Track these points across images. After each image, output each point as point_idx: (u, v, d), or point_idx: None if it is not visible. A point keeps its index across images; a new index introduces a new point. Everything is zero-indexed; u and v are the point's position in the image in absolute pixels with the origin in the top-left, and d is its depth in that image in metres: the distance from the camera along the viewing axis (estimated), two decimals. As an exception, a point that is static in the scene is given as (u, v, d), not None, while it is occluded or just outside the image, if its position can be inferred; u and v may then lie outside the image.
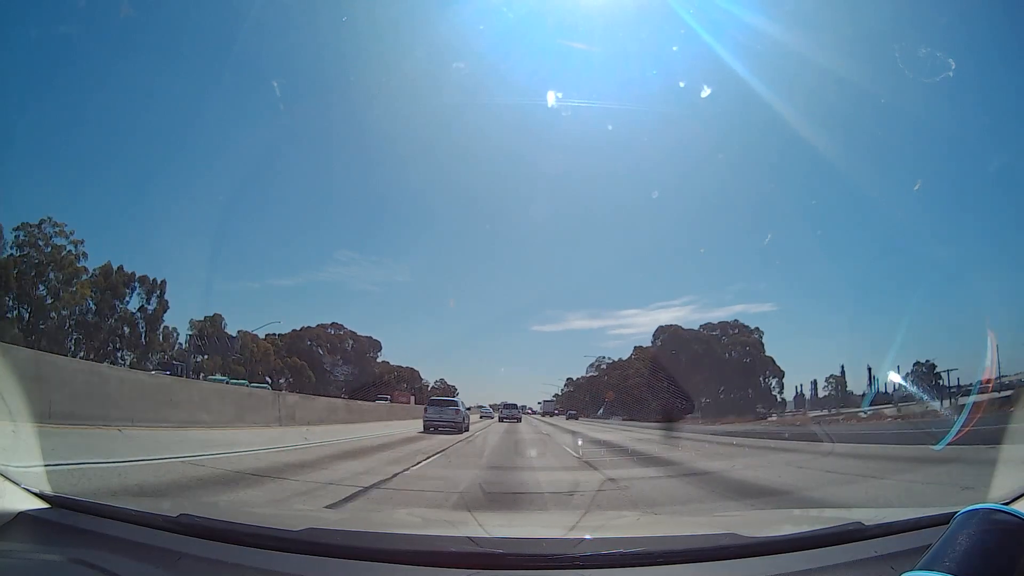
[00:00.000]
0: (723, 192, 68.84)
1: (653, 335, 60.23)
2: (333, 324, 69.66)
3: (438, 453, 11.47)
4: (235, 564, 1.68)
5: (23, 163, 43.19)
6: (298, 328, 66.56)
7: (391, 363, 73.96)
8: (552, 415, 69.75)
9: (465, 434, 19.54)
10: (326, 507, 5.03)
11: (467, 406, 26.54)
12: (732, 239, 70.58)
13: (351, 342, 71.17)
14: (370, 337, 71.98)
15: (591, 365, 73.89)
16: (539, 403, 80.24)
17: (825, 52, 31.08)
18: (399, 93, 43.86)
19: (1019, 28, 33.48)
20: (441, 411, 20.82)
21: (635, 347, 65.25)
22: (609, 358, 71.52)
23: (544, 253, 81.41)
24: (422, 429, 19.74)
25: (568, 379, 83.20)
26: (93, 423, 9.36)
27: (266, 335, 57.99)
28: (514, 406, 41.31)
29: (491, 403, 62.09)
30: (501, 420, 37.49)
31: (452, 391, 70.91)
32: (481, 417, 46.43)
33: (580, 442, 16.89)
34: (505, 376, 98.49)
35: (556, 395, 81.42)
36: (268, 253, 74.62)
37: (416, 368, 76.73)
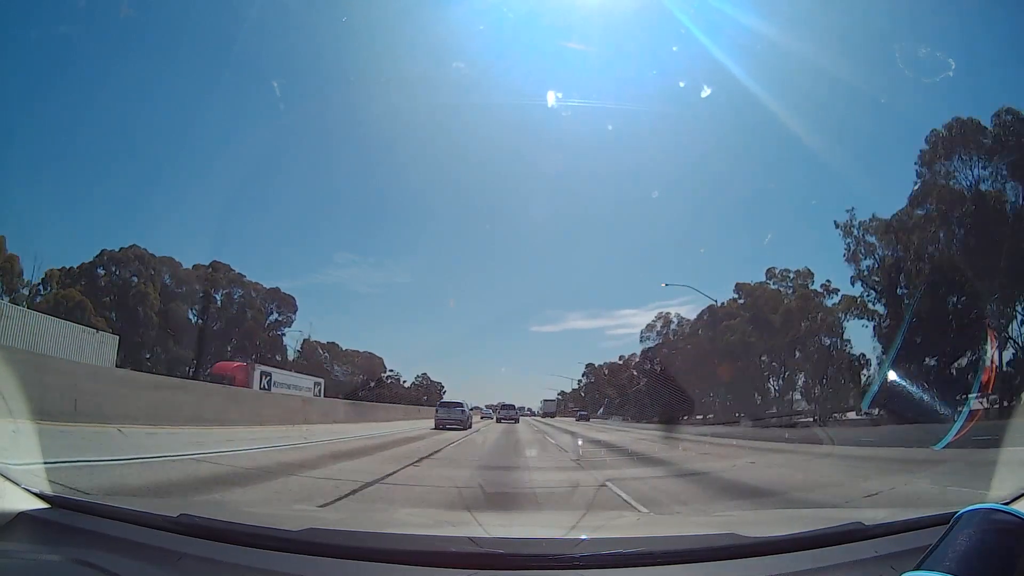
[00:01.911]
0: (722, 192, 68.30)
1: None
2: (213, 264, 43.76)
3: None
4: (235, 564, 1.67)
5: (21, 163, 42.96)
6: (116, 250, 39.73)
7: (341, 346, 55.28)
8: (553, 416, 64.49)
9: (469, 430, 24.15)
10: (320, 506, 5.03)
11: (470, 407, 32.64)
12: (732, 238, 70.22)
13: (231, 291, 45.50)
14: (278, 290, 47.60)
15: (649, 328, 48.53)
16: (542, 402, 73.74)
17: (824, 53, 30.82)
18: (398, 93, 43.69)
19: (1019, 28, 33.25)
20: (449, 411, 26.14)
21: (737, 283, 36.36)
22: (684, 318, 43.85)
23: (544, 253, 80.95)
24: (433, 426, 24.40)
25: (588, 365, 67.16)
26: (92, 422, 9.38)
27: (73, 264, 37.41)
28: (512, 407, 43.27)
29: (487, 404, 62.24)
30: (498, 421, 39.52)
31: (438, 388, 68.35)
32: (481, 417, 48.86)
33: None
34: (504, 376, 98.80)
35: (562, 392, 74.60)
36: (267, 256, 72.80)
37: (380, 356, 60.89)
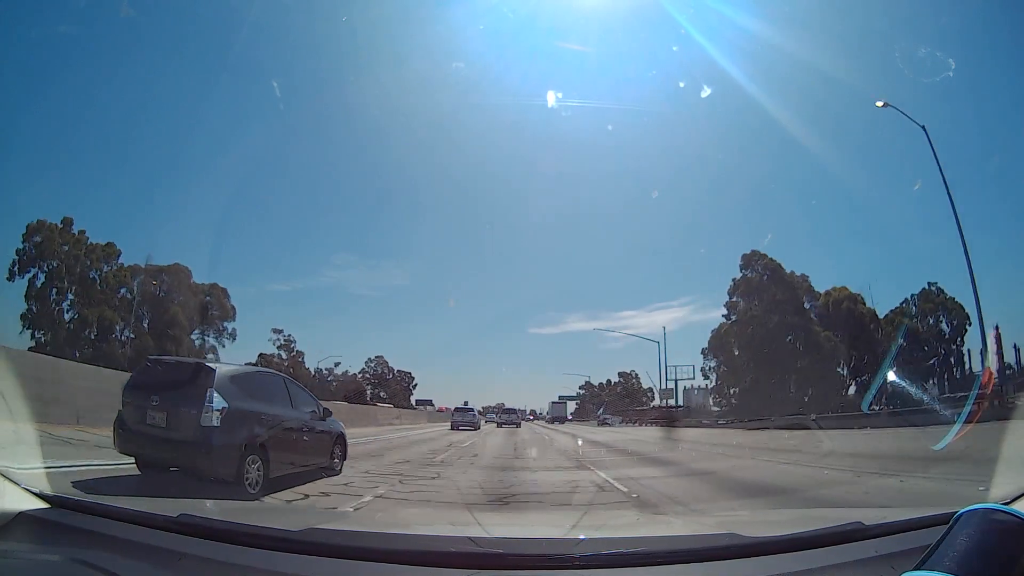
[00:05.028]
0: (722, 192, 68.03)
1: None
2: None
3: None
4: (235, 564, 1.67)
5: (19, 163, 42.74)
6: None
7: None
8: (562, 421, 56.70)
9: (479, 430, 30.04)
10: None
11: (479, 410, 40.09)
12: (731, 239, 70.19)
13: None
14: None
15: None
16: (550, 403, 66.00)
17: (823, 53, 30.94)
18: (398, 94, 43.78)
19: (1019, 28, 33.20)
20: (463, 415, 33.15)
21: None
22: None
23: (542, 255, 79.87)
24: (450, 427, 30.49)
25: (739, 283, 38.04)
26: (91, 425, 9.38)
27: None
28: (513, 411, 44.15)
29: (484, 405, 61.10)
30: (499, 425, 39.84)
31: (405, 381, 61.93)
32: (486, 421, 48.78)
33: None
34: (507, 377, 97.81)
35: (588, 385, 66.49)
36: (265, 257, 71.50)
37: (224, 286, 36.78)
